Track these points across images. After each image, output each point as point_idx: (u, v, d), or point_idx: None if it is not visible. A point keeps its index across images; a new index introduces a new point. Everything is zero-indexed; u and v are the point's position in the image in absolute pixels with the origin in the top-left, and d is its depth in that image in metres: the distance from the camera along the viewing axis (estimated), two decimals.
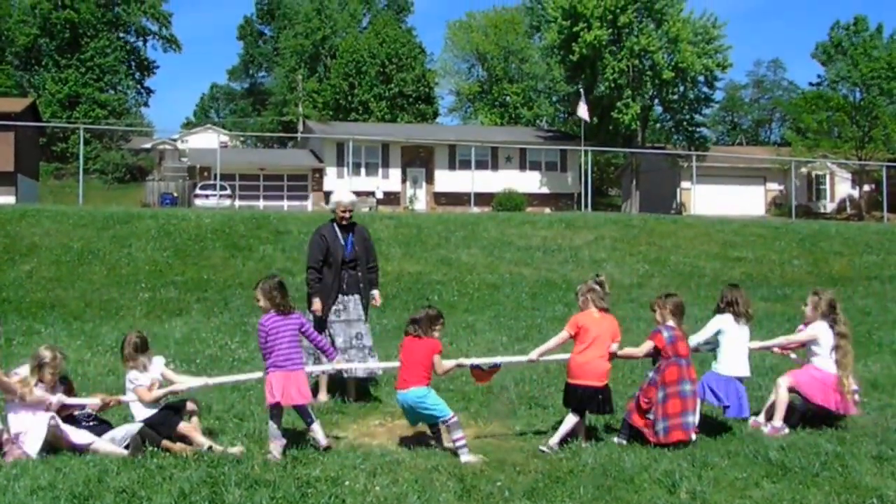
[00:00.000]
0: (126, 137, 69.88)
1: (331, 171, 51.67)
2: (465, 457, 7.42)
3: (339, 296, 9.84)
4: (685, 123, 54.20)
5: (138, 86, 79.02)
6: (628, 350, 8.30)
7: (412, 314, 8.14)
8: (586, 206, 40.76)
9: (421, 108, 70.02)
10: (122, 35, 76.73)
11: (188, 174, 55.63)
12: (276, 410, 7.53)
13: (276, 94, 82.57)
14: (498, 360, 8.61)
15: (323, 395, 9.73)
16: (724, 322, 8.52)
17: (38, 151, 55.54)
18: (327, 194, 49.68)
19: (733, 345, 8.49)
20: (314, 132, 56.06)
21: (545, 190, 54.04)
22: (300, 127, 65.06)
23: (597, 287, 8.14)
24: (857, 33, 54.62)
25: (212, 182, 44.94)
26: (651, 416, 7.95)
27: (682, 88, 52.26)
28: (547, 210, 46.39)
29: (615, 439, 8.11)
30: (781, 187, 54.70)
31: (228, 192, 46.36)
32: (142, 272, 19.54)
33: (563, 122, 67.29)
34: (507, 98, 72.29)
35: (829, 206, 56.88)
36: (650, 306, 8.55)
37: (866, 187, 53.46)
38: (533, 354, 8.41)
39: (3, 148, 45.21)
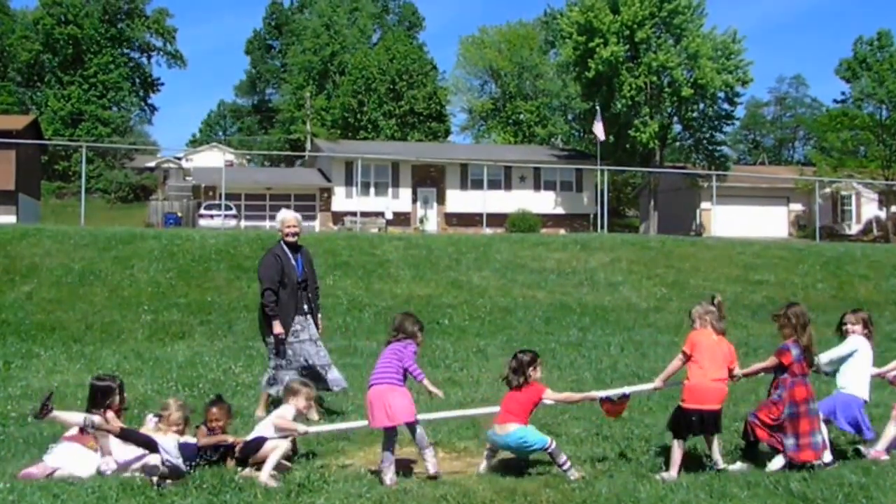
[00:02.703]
0: (129, 156, 69.56)
1: (339, 191, 51.07)
2: (574, 475, 7.52)
3: (297, 316, 9.98)
4: (705, 142, 53.76)
5: (142, 103, 78.45)
6: (755, 366, 8.33)
7: (511, 363, 8.04)
8: (602, 227, 40.32)
9: (432, 126, 69.62)
10: (125, 51, 76.17)
11: (193, 193, 55.30)
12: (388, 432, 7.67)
13: (284, 112, 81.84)
14: (626, 389, 8.52)
15: (261, 411, 9.74)
16: (860, 342, 8.52)
17: (39, 170, 55.13)
18: (335, 214, 48.99)
19: (865, 366, 8.54)
20: (322, 151, 55.65)
21: (560, 210, 53.33)
22: (308, 145, 65.02)
23: (713, 309, 8.08)
24: (881, 48, 53.32)
25: (217, 202, 44.60)
26: (777, 432, 7.90)
27: (701, 106, 51.83)
28: (562, 231, 45.54)
29: (736, 465, 7.93)
30: (805, 208, 53.57)
31: (234, 212, 45.92)
32: (144, 294, 19.23)
33: (579, 141, 66.44)
34: (521, 116, 71.47)
35: (854, 228, 55.79)
36: (775, 319, 8.33)
37: (894, 208, 52.23)
38: (658, 381, 8.37)
39: (4, 166, 44.70)
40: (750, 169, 66.61)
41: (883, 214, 53.49)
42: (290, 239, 10.13)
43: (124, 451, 7.58)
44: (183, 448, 7.53)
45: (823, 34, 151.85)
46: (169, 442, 7.46)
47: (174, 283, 19.94)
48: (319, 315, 10.38)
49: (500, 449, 7.93)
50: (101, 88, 70.96)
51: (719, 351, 7.91)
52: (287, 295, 9.90)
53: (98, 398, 7.83)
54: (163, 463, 7.18)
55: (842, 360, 8.52)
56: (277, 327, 9.80)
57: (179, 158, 76.72)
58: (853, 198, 56.44)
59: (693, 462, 8.13)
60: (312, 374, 9.74)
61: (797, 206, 54.84)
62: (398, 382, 7.75)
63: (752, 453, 8.11)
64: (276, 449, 7.59)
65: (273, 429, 7.85)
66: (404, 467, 7.90)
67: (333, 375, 10.10)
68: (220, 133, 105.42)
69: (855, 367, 8.46)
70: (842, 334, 8.78)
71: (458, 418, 9.15)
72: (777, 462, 7.87)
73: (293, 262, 10.06)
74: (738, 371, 8.04)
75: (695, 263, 26.32)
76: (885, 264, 28.02)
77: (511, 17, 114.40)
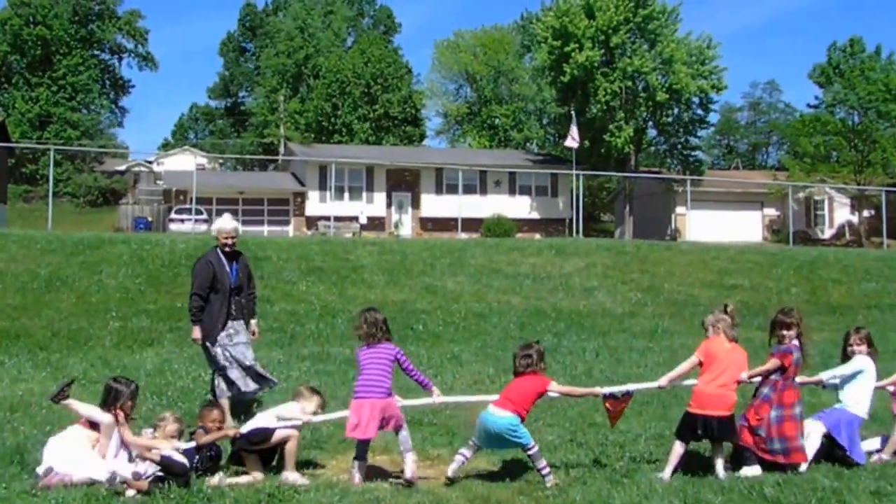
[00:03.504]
0: (99, 159, 68.88)
1: (313, 195, 50.82)
2: (551, 481, 7.56)
3: (229, 321, 10.08)
4: (680, 147, 54.03)
5: (113, 105, 77.69)
6: (758, 369, 8.26)
7: (522, 349, 8.12)
8: (577, 231, 40.31)
9: (407, 131, 69.49)
10: (96, 53, 75.41)
11: (163, 198, 54.67)
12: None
13: (257, 115, 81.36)
14: (630, 387, 8.55)
15: (228, 419, 9.74)
16: (866, 362, 8.58)
17: (6, 173, 54.38)
18: (309, 219, 48.78)
19: (869, 385, 8.60)
20: (296, 154, 55.37)
21: (535, 215, 53.22)
22: (281, 149, 64.71)
23: (726, 317, 8.19)
24: (853, 55, 53.71)
25: (188, 206, 44.15)
26: (762, 434, 8.00)
27: (676, 111, 52.09)
28: (537, 236, 45.48)
29: (747, 469, 7.92)
30: (779, 213, 53.77)
31: (205, 216, 45.26)
32: (112, 300, 18.85)
33: (554, 146, 66.36)
34: (497, 120, 71.43)
35: (827, 232, 56.35)
36: (781, 324, 8.33)
37: (865, 213, 52.80)
38: (663, 380, 8.44)
39: None
40: (724, 174, 66.95)
41: (855, 219, 53.99)
42: (226, 249, 10.21)
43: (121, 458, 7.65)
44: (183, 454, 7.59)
45: (796, 40, 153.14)
46: (167, 449, 7.50)
47: (143, 289, 19.61)
48: (255, 321, 10.56)
49: (485, 433, 7.88)
50: (70, 90, 70.17)
51: (732, 359, 8.01)
52: (219, 300, 10.01)
53: (108, 399, 7.87)
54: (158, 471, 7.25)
55: (846, 378, 8.61)
56: (196, 332, 9.99)
57: (150, 162, 76.24)
58: (826, 202, 56.87)
59: (694, 464, 8.17)
60: (253, 375, 10.03)
61: (771, 211, 55.03)
62: (390, 394, 7.94)
63: (741, 456, 8.14)
64: (289, 441, 7.81)
65: (275, 420, 7.95)
66: (378, 475, 7.92)
67: (255, 380, 10.25)
68: (192, 136, 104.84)
69: (860, 386, 8.56)
70: (846, 354, 8.79)
71: (458, 403, 9.24)
72: (754, 469, 7.91)
73: (227, 268, 10.14)
74: (743, 375, 8.10)
75: (669, 268, 26.34)
76: (858, 268, 28.21)
77: (487, 21, 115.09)
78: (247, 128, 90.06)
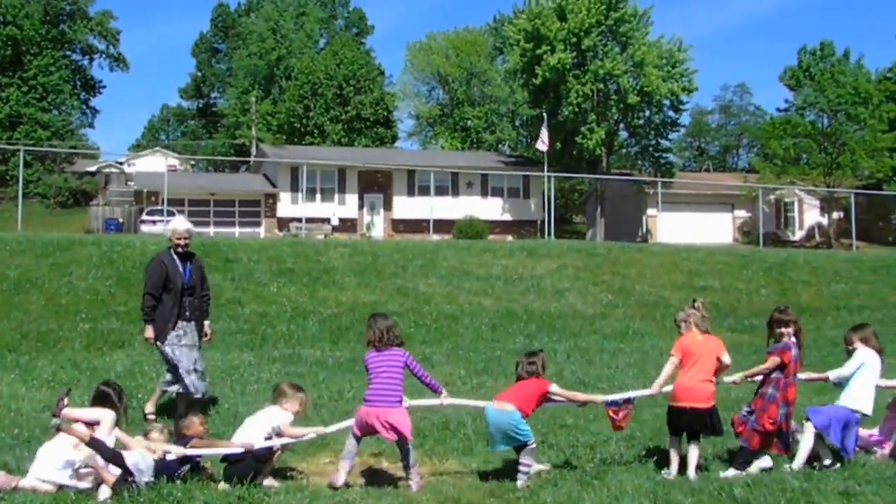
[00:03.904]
0: (70, 160, 68.04)
1: (285, 197, 50.57)
2: (522, 482, 7.65)
3: (180, 321, 10.25)
4: (651, 149, 54.13)
5: (83, 106, 76.85)
6: (756, 368, 8.38)
7: (527, 356, 8.34)
8: (549, 233, 40.20)
9: (379, 132, 69.20)
10: (67, 53, 74.55)
11: (135, 199, 53.97)
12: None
13: (229, 116, 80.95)
14: (631, 394, 8.60)
15: (150, 406, 10.31)
16: (867, 356, 8.63)
17: None
18: (281, 221, 48.60)
19: (870, 379, 8.63)
20: (268, 156, 55.04)
21: (507, 217, 53.19)
22: (253, 150, 64.20)
23: (694, 311, 8.33)
24: (823, 58, 54.13)
25: (159, 207, 43.80)
26: (781, 434, 8.13)
27: (647, 113, 52.15)
28: (509, 238, 45.52)
29: (731, 471, 8.02)
30: (749, 215, 54.01)
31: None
32: (82, 302, 18.62)
33: (527, 148, 66.48)
34: (469, 122, 71.38)
35: (797, 234, 56.64)
36: (779, 322, 8.40)
37: (835, 215, 53.23)
38: (654, 388, 8.43)
39: None
40: (695, 176, 67.06)
41: (825, 221, 54.42)
42: (179, 250, 10.39)
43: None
44: (165, 465, 7.55)
45: (767, 43, 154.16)
46: (137, 456, 7.39)
47: (114, 291, 19.39)
48: (208, 322, 10.74)
49: (489, 429, 8.06)
50: (40, 91, 69.37)
51: (705, 349, 8.12)
52: (171, 300, 10.19)
53: (95, 402, 8.02)
54: (124, 479, 7.18)
55: (848, 376, 8.68)
56: (148, 331, 10.21)
57: (121, 163, 75.47)
58: (796, 204, 57.25)
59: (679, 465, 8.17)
60: (194, 377, 10.20)
61: (742, 213, 55.28)
62: (401, 402, 7.97)
63: (746, 458, 8.15)
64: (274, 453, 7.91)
65: (265, 429, 7.91)
66: (375, 482, 7.93)
67: (205, 383, 10.44)
68: (164, 137, 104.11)
69: (860, 381, 8.60)
70: (848, 353, 8.90)
71: (465, 406, 9.24)
72: (765, 461, 8.13)
73: (180, 269, 10.32)
74: (726, 359, 8.17)
75: (641, 270, 26.42)
76: (827, 270, 28.46)
77: (459, 24, 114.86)
78: (218, 129, 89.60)
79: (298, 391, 8.30)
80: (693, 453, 8.03)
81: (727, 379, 8.43)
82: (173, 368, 10.20)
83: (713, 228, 52.13)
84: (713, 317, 21.74)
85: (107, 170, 70.17)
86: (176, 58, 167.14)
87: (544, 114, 47.37)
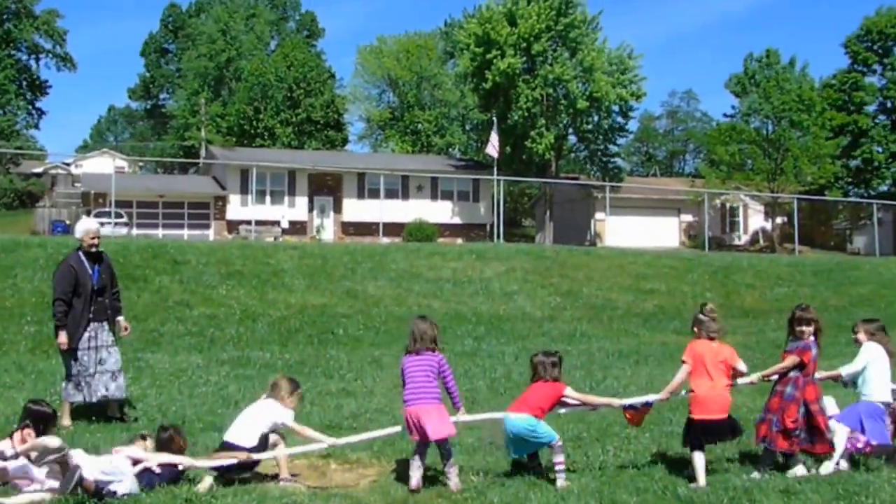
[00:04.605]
0: (15, 161, 66.91)
1: (234, 199, 50.16)
2: (561, 482, 7.58)
3: (91, 323, 10.16)
4: (599, 154, 54.51)
5: (29, 106, 75.41)
6: (775, 367, 8.31)
7: (540, 356, 8.16)
8: (499, 236, 40.56)
9: (329, 135, 68.97)
10: (12, 52, 73.15)
11: (82, 200, 53.22)
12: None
13: (178, 118, 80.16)
14: (650, 398, 8.49)
15: (66, 420, 9.94)
16: (873, 348, 8.65)
17: None
18: (230, 223, 48.27)
19: (882, 369, 8.62)
20: (217, 158, 54.48)
21: (457, 220, 53.28)
22: (202, 152, 63.54)
23: (703, 317, 8.23)
24: (769, 66, 54.81)
25: (107, 209, 43.00)
26: (798, 434, 7.96)
27: (596, 118, 52.32)
28: (459, 241, 45.51)
29: (754, 475, 7.89)
30: (695, 219, 54.57)
31: (125, 219, 44.55)
32: (27, 304, 18.69)
33: (477, 151, 66.61)
34: (419, 125, 71.27)
35: (742, 239, 57.34)
36: (800, 320, 8.30)
37: (778, 219, 53.93)
38: (663, 393, 8.30)
39: None
40: (642, 180, 67.69)
41: (768, 226, 55.20)
42: (92, 250, 10.31)
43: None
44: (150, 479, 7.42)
45: (713, 51, 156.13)
46: (99, 462, 7.30)
47: None
48: (121, 317, 10.61)
49: (508, 438, 7.97)
50: None
51: (719, 356, 8.01)
52: (81, 303, 10.11)
53: (37, 422, 7.84)
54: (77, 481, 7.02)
55: (860, 371, 8.66)
56: (62, 337, 10.05)
57: (68, 164, 74.47)
58: (741, 209, 57.89)
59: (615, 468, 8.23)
60: (105, 383, 10.10)
61: (688, 217, 55.87)
62: (439, 399, 7.86)
63: (770, 460, 8.13)
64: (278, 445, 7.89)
65: (263, 425, 7.83)
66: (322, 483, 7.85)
67: (119, 382, 10.30)
68: (112, 138, 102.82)
69: (873, 372, 8.58)
70: (856, 343, 8.94)
71: (475, 422, 9.02)
72: (800, 470, 7.99)
73: (90, 270, 10.23)
74: (742, 367, 8.14)
75: (588, 273, 26.76)
76: (770, 274, 29.02)
77: (410, 27, 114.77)
78: (167, 130, 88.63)
79: (297, 386, 8.22)
80: (699, 462, 7.87)
81: (743, 380, 8.30)
82: (73, 375, 10.11)
83: (660, 232, 52.65)
84: (658, 319, 22.32)
85: (53, 171, 69.21)
86: (124, 58, 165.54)
87: (494, 118, 47.54)
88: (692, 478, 7.75)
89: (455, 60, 56.25)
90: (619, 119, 53.18)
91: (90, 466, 7.20)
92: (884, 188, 60.92)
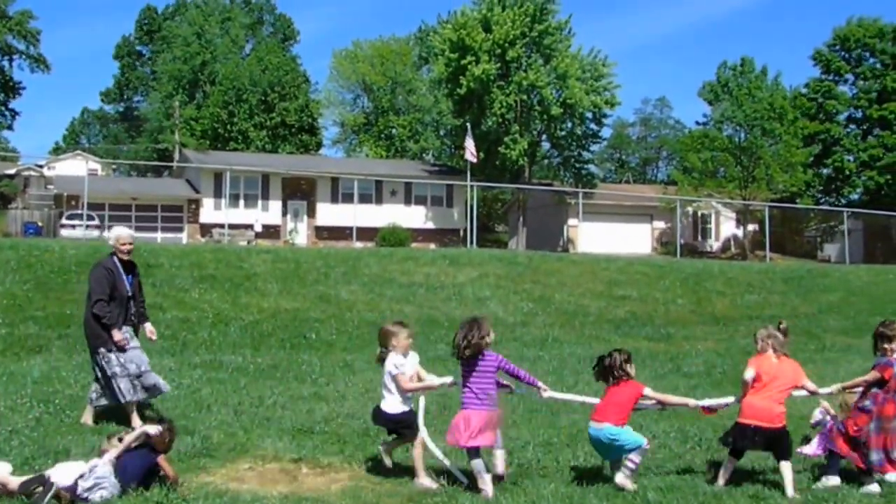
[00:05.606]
0: None
1: (207, 202, 50.04)
2: (622, 479, 7.65)
3: (125, 326, 10.25)
4: (573, 160, 54.71)
5: (2, 108, 74.91)
6: (855, 380, 8.32)
7: (615, 356, 8.17)
8: (472, 242, 40.49)
9: (303, 139, 68.96)
10: None
11: (55, 203, 52.88)
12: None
13: (152, 121, 79.74)
14: (721, 401, 8.55)
15: (88, 419, 10.16)
16: None
17: None
18: (203, 226, 48.11)
19: None
20: (191, 161, 54.42)
21: (431, 225, 53.38)
22: (176, 155, 63.24)
23: (777, 333, 8.22)
24: (742, 74, 55.16)
25: (79, 211, 43.04)
26: (860, 443, 7.92)
27: (570, 125, 52.64)
28: (432, 246, 45.68)
29: (826, 479, 7.97)
30: (668, 225, 54.90)
31: (97, 222, 44.26)
32: None
33: (450, 157, 66.69)
34: (394, 130, 71.28)
35: (714, 246, 57.66)
36: (882, 336, 8.24)
37: (750, 227, 54.14)
38: (731, 398, 8.43)
39: None
40: (615, 187, 67.83)
41: (740, 233, 55.44)
42: (125, 257, 10.36)
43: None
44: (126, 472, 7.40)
45: (686, 59, 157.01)
46: (78, 468, 7.27)
47: (31, 296, 19.08)
48: (148, 323, 10.70)
49: (594, 446, 8.11)
50: None
51: (779, 371, 7.99)
52: (117, 308, 10.14)
53: None
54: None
55: None
56: (118, 335, 10.02)
57: (41, 166, 73.71)
58: (713, 216, 58.31)
59: (588, 473, 8.27)
60: (144, 383, 10.13)
61: (660, 224, 56.22)
62: (496, 405, 7.84)
63: (834, 466, 8.11)
64: (416, 448, 8.01)
65: (395, 384, 8.09)
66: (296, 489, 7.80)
67: (161, 380, 10.51)
68: (85, 141, 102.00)
69: None
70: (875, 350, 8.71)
71: (570, 401, 9.38)
72: (834, 479, 7.94)
73: (124, 277, 10.26)
74: (809, 385, 8.13)
75: (561, 279, 26.76)
76: (741, 281, 29.09)
77: (385, 32, 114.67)
78: (141, 133, 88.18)
79: (400, 325, 8.35)
80: (787, 470, 7.75)
81: (824, 390, 8.29)
82: (110, 377, 9.95)
83: (632, 239, 52.90)
84: (630, 326, 22.44)
85: (26, 173, 68.56)
86: (98, 60, 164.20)
87: (468, 124, 47.67)
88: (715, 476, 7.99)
89: (430, 66, 56.29)
90: (593, 126, 53.45)
91: (66, 473, 7.17)
92: (854, 196, 61.50)
